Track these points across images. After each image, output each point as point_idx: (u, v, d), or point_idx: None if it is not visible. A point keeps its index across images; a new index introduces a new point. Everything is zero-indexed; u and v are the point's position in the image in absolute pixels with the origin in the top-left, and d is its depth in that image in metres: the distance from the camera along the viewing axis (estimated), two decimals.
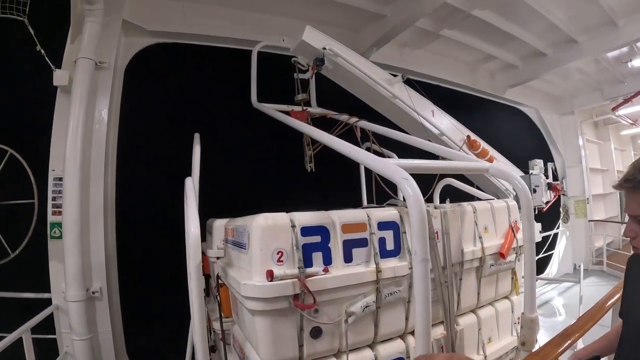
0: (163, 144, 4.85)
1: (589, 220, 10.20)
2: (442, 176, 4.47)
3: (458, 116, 5.16)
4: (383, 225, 2.15)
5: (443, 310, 2.38)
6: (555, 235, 9.74)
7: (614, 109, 10.41)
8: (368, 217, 2.11)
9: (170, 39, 4.97)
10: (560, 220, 9.85)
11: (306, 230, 1.94)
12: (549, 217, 9.06)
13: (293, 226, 1.91)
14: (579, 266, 7.59)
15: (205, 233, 3.76)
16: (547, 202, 6.51)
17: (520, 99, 8.97)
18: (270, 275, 1.80)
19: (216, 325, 2.97)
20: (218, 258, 3.08)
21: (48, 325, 4.00)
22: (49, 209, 4.21)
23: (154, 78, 4.93)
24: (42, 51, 4.09)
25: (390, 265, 2.12)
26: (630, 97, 9.36)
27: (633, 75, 8.92)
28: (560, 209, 9.89)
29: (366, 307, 2.02)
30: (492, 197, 4.37)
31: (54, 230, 4.18)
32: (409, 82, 4.63)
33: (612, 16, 6.18)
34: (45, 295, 4.23)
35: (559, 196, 9.93)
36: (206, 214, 3.53)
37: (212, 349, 3.54)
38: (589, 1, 5.77)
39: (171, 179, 4.56)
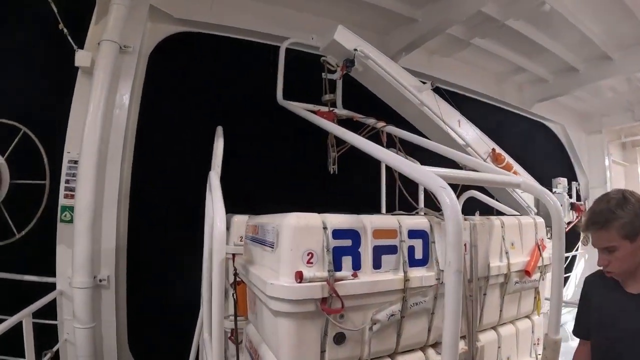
0: (183, 135, 4.94)
1: None
2: (465, 188, 4.50)
3: (482, 127, 5.20)
4: (413, 234, 2.18)
5: (466, 324, 2.40)
6: (574, 257, 9.69)
7: None
8: (399, 224, 2.15)
9: (197, 28, 5.06)
10: (579, 243, 9.77)
11: (338, 233, 1.96)
12: (568, 238, 8.95)
13: (325, 228, 1.94)
14: None
15: None
16: (568, 223, 6.51)
17: (546, 114, 8.94)
18: (299, 277, 1.84)
19: (226, 323, 3.00)
20: (234, 255, 3.13)
21: (50, 310, 4.04)
22: (62, 192, 4.25)
23: (178, 67, 5.02)
24: (65, 30, 4.12)
25: (418, 275, 2.14)
26: None
27: None
28: (581, 231, 9.80)
29: (392, 315, 2.05)
30: (517, 213, 4.38)
31: (65, 213, 4.22)
32: (437, 90, 4.67)
33: None
34: (50, 280, 4.27)
35: (581, 217, 9.89)
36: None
37: None
38: (628, 17, 5.72)
39: (189, 170, 4.64)
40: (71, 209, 4.16)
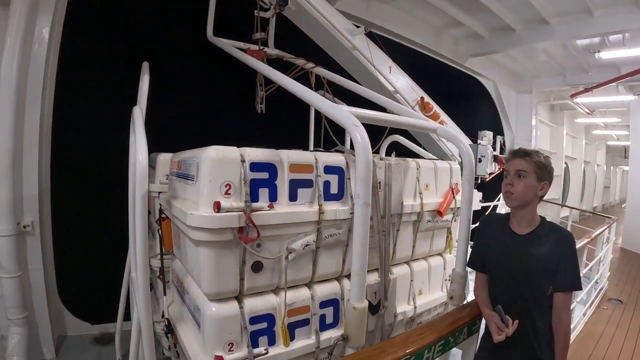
0: (108, 71, 4.79)
1: None
2: (392, 132, 4.69)
3: (415, 76, 5.39)
4: (329, 169, 2.33)
5: (379, 257, 2.62)
6: (496, 207, 10.44)
7: (573, 95, 11.02)
8: (315, 159, 2.28)
9: None
10: (501, 193, 10.51)
11: (255, 166, 2.06)
12: (491, 188, 9.68)
13: (243, 161, 2.03)
14: None
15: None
16: (490, 173, 6.96)
17: (480, 70, 9.26)
18: (217, 207, 1.93)
19: (154, 262, 3.08)
20: (160, 193, 3.16)
21: None
22: None
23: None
24: None
25: (333, 208, 2.31)
26: (592, 87, 9.87)
27: (599, 66, 9.35)
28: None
29: (306, 245, 2.21)
30: (437, 158, 4.66)
31: None
32: (371, 36, 4.76)
33: (590, 4, 6.44)
34: None
35: (503, 170, 10.56)
36: (149, 148, 3.58)
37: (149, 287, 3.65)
38: None
39: (114, 108, 4.51)
40: None
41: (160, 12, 5.11)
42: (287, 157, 2.17)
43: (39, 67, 4.18)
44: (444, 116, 5.65)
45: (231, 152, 2.03)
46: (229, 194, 2.00)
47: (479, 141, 6.87)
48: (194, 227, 1.99)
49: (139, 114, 2.81)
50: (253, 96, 4.64)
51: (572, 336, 5.37)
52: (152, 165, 3.51)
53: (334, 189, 2.36)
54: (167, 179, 3.15)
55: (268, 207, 2.06)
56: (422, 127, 2.81)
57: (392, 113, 3.05)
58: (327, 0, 5.06)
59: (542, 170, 2.09)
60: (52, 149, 4.51)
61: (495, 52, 8.44)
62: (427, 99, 5.40)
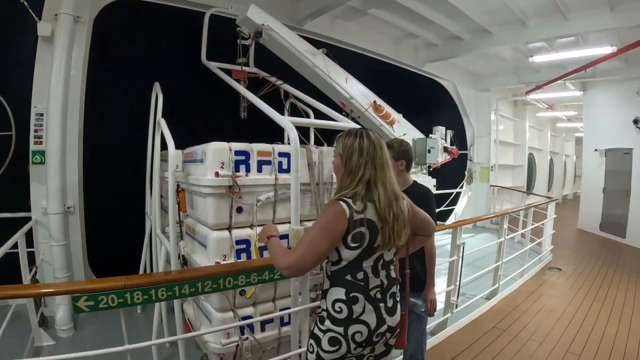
0: (124, 89, 6.42)
1: (491, 185, 12.94)
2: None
3: (379, 83, 7.01)
4: (282, 154, 4.12)
5: (316, 209, 4.42)
6: (458, 193, 12.36)
7: (527, 92, 13.05)
8: (273, 149, 4.10)
9: None
10: (464, 181, 12.46)
11: (237, 153, 3.87)
12: (454, 176, 11.61)
13: (230, 149, 3.86)
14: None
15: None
16: (441, 162, 8.75)
17: (439, 73, 11.09)
18: (217, 174, 3.76)
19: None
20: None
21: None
22: (31, 140, 5.53)
23: (119, 31, 6.41)
24: (26, 3, 5.02)
25: (284, 177, 4.09)
26: (542, 84, 11.85)
27: (548, 66, 11.20)
28: (466, 172, 12.49)
29: (267, 198, 4.03)
30: None
31: (36, 157, 5.54)
32: (330, 55, 6.45)
33: (522, 17, 8.37)
34: (21, 215, 5.58)
35: (468, 160, 12.50)
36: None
37: None
38: (501, 2, 7.90)
39: (130, 118, 6.14)
40: (41, 152, 5.49)
41: (165, 40, 6.71)
42: (255, 147, 4.00)
43: (76, 87, 5.84)
44: (395, 115, 7.35)
45: (223, 144, 3.86)
46: (223, 167, 3.82)
47: (430, 135, 8.62)
48: (205, 185, 3.80)
49: (164, 123, 4.60)
50: (238, 106, 6.35)
51: (506, 292, 7.24)
52: (164, 159, 5.01)
53: (285, 166, 4.14)
54: (177, 169, 4.67)
55: (245, 175, 3.90)
56: (339, 127, 4.56)
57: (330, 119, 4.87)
58: (298, 22, 6.80)
59: (397, 154, 3.44)
60: (83, 150, 6.10)
61: (449, 57, 10.26)
62: (379, 102, 7.08)
